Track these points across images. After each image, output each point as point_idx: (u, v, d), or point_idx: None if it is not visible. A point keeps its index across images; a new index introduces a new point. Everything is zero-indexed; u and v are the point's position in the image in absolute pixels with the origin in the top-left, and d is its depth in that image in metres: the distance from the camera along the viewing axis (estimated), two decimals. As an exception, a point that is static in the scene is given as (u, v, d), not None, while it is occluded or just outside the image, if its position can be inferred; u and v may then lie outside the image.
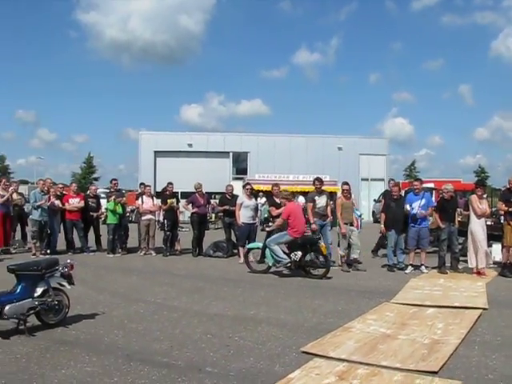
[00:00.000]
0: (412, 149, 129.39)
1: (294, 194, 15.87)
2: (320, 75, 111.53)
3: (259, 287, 9.86)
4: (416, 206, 11.64)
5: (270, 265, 11.39)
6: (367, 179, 39.59)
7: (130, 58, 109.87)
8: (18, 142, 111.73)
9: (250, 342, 6.22)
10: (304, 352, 5.79)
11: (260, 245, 11.86)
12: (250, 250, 12.08)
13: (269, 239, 11.47)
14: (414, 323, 7.08)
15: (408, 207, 11.71)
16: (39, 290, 6.57)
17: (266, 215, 23.11)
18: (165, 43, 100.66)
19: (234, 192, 14.95)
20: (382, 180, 38.77)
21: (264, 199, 22.59)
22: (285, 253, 11.13)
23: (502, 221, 12.24)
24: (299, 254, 11.05)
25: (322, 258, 11.10)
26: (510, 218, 11.25)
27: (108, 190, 18.30)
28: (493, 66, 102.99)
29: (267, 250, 11.31)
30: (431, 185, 22.12)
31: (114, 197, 14.67)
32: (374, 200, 34.29)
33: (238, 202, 13.50)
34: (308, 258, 11.19)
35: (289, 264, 11.11)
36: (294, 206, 11.77)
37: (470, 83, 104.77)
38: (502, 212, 11.77)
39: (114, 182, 15.90)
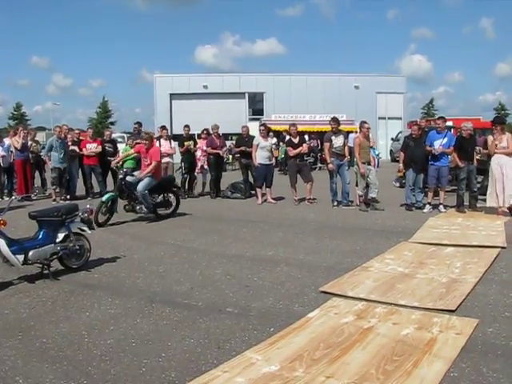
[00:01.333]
0: (430, 86, 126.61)
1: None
2: (336, 13, 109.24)
3: (278, 228, 9.93)
4: (437, 145, 11.43)
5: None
6: (384, 118, 38.97)
7: (143, 1, 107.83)
8: (33, 89, 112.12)
9: (269, 283, 6.31)
10: (322, 292, 5.87)
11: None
12: None
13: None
14: (432, 262, 7.10)
15: (428, 147, 11.52)
16: (60, 236, 6.68)
17: (282, 156, 23.06)
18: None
19: (251, 133, 14.89)
20: (400, 119, 38.33)
21: (275, 139, 22.36)
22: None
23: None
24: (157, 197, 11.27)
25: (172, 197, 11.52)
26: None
27: (125, 134, 18.27)
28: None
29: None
30: (450, 123, 21.76)
31: (130, 141, 14.70)
32: (392, 139, 34.03)
33: (255, 142, 13.45)
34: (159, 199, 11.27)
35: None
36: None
37: (492, 16, 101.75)
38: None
39: (135, 125, 15.81)
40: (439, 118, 12.70)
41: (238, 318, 5.11)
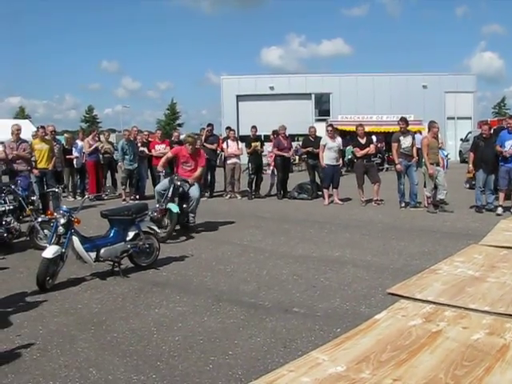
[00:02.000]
0: (502, 84, 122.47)
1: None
2: (402, 11, 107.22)
3: (344, 229, 9.84)
4: (508, 145, 10.99)
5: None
6: (453, 118, 37.87)
7: (209, 2, 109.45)
8: (104, 92, 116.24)
9: (336, 283, 6.26)
10: (390, 293, 5.77)
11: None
12: None
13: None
14: (504, 266, 6.83)
15: (498, 147, 11.09)
16: (131, 234, 6.86)
17: (349, 156, 22.81)
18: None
19: (317, 134, 14.82)
20: (470, 118, 37.16)
21: (340, 139, 22.05)
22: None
23: None
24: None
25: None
26: None
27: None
28: None
29: None
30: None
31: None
32: (461, 139, 33.05)
33: (322, 143, 13.39)
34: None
35: None
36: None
37: None
38: None
39: (207, 127, 15.76)
40: (510, 116, 12.23)
41: (305, 318, 5.09)
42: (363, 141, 13.06)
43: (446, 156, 14.98)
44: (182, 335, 4.69)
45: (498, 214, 10.92)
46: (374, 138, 19.77)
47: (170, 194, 9.17)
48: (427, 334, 4.53)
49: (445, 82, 38.05)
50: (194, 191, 9.52)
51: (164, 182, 9.54)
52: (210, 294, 5.94)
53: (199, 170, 9.76)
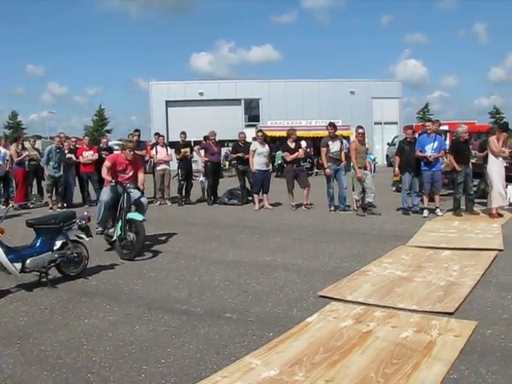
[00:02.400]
0: (426, 91, 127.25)
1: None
2: (331, 18, 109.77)
3: (275, 233, 9.93)
4: (429, 149, 11.46)
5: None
6: (380, 123, 39.21)
7: (137, 8, 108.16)
8: (29, 98, 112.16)
9: (268, 288, 6.31)
10: (321, 296, 5.87)
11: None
12: None
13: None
14: (429, 266, 7.11)
15: (419, 152, 11.52)
16: (58, 243, 6.67)
17: (279, 162, 23.06)
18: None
19: (247, 139, 14.92)
20: (396, 123, 38.46)
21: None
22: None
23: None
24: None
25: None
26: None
27: (121, 141, 18.19)
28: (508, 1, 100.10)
29: None
30: (445, 127, 21.84)
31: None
32: (388, 144, 34.09)
33: (252, 148, 13.50)
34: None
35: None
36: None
37: (486, 21, 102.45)
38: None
39: (135, 133, 15.58)
40: (428, 120, 12.82)
41: (237, 323, 5.10)
42: (292, 145, 13.24)
43: (374, 160, 15.46)
44: (113, 345, 4.61)
45: (424, 216, 11.36)
46: (303, 143, 20.06)
47: (125, 204, 8.32)
48: (358, 335, 4.65)
49: (372, 88, 39.32)
50: (144, 197, 9.16)
51: (108, 192, 8.69)
52: (141, 302, 5.86)
53: (141, 174, 9.19)
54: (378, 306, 5.46)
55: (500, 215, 11.01)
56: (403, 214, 11.77)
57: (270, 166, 14.19)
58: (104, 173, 8.90)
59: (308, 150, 25.71)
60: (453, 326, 4.81)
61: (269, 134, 24.58)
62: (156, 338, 4.77)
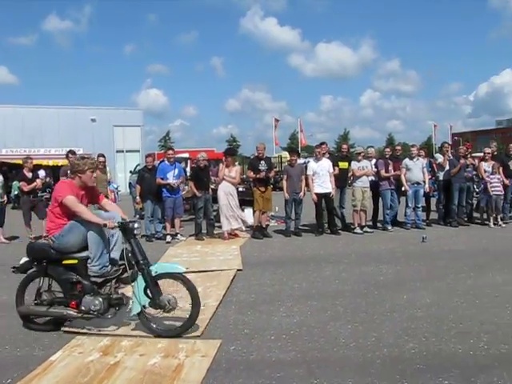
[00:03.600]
0: (167, 119, 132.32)
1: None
2: (73, 45, 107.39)
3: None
4: (170, 177, 11.84)
5: None
6: (122, 151, 39.21)
7: None
8: None
9: (4, 329, 5.75)
10: (65, 332, 5.56)
11: None
12: None
13: None
14: (174, 290, 7.19)
15: (160, 180, 11.86)
16: None
17: (16, 192, 21.52)
18: None
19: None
20: (138, 151, 38.87)
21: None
22: None
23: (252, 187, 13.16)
24: None
25: None
26: (259, 184, 12.13)
27: None
28: (242, 40, 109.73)
29: None
30: (186, 155, 22.75)
31: None
32: (130, 171, 34.22)
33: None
34: None
35: None
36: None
37: (222, 56, 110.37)
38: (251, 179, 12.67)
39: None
40: (169, 148, 13.30)
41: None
42: (29, 175, 12.46)
43: (117, 188, 15.25)
44: None
45: (168, 242, 11.63)
46: (41, 172, 19.07)
47: (138, 255, 5.44)
48: (106, 367, 4.51)
49: (113, 115, 39.21)
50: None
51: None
52: None
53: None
54: (125, 335, 5.37)
55: (233, 237, 11.94)
56: (147, 241, 11.77)
57: (5, 197, 13.13)
58: (87, 214, 5.60)
59: (48, 179, 24.47)
60: (199, 346, 4.94)
61: (4, 161, 22.97)
62: None
